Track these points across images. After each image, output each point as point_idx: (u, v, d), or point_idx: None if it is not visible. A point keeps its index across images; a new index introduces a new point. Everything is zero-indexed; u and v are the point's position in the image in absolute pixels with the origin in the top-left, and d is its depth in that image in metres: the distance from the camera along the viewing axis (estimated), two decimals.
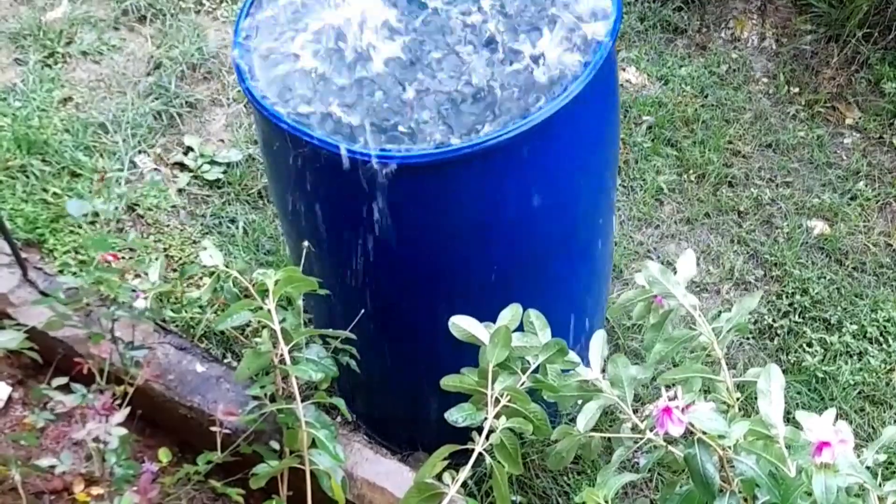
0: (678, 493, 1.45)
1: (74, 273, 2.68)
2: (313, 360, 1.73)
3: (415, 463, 2.34)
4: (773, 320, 2.77)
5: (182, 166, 3.12)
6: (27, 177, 2.99)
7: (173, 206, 2.99)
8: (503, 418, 1.44)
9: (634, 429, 1.43)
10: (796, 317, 2.78)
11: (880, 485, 1.35)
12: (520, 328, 1.54)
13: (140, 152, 3.14)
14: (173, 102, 3.27)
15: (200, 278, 2.71)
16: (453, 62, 1.85)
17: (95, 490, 1.90)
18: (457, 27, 1.90)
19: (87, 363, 1.94)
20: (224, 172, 3.08)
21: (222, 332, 2.63)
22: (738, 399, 1.49)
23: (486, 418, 1.43)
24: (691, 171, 3.15)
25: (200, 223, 2.95)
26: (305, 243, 1.88)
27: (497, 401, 1.45)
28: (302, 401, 1.70)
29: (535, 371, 1.51)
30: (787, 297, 2.82)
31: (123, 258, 2.73)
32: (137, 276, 2.49)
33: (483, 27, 1.89)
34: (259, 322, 1.66)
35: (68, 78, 3.36)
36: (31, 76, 3.32)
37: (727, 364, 1.49)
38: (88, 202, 2.80)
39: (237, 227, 2.93)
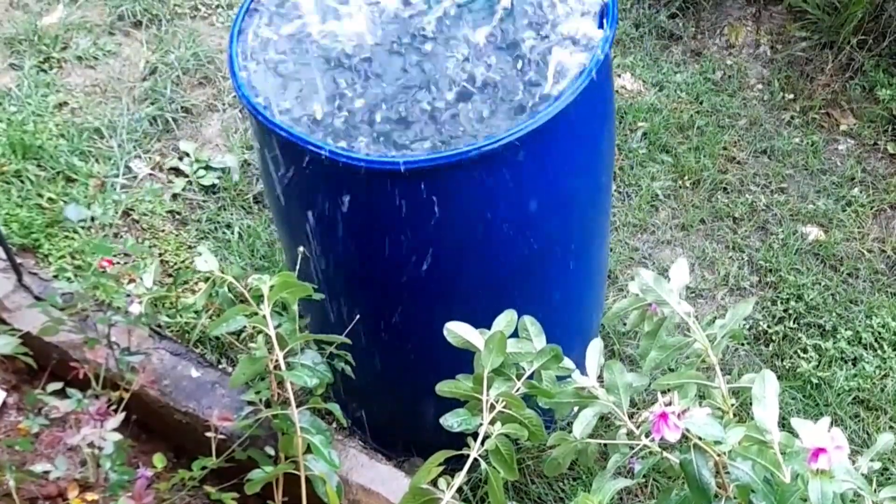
0: (674, 499, 1.45)
1: (69, 278, 2.67)
2: (308, 365, 1.73)
3: (410, 468, 2.34)
4: (768, 326, 2.77)
5: (177, 171, 3.12)
6: (22, 182, 2.98)
7: (168, 212, 2.99)
8: (498, 424, 1.44)
9: (630, 435, 1.43)
10: (791, 323, 2.78)
11: (875, 491, 1.35)
12: (515, 334, 1.54)
13: (135, 157, 3.14)
14: (169, 108, 3.27)
15: (195, 283, 2.71)
16: (452, 65, 1.85)
17: (90, 496, 1.89)
18: (455, 30, 1.90)
19: (83, 368, 1.93)
20: (219, 178, 3.08)
21: (217, 338, 2.63)
22: (732, 405, 1.50)
23: (481, 424, 1.43)
24: (686, 178, 3.16)
25: (195, 228, 2.95)
26: (301, 248, 1.88)
27: (492, 406, 1.45)
28: (297, 406, 1.70)
29: (531, 377, 1.51)
30: (781, 303, 2.83)
31: (118, 263, 2.73)
32: (132, 281, 2.49)
33: (479, 31, 1.89)
34: (254, 327, 1.66)
35: (64, 83, 3.36)
36: (27, 81, 3.32)
37: (722, 370, 1.50)
38: (85, 207, 2.81)
39: (232, 233, 2.93)
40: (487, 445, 1.42)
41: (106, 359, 2.00)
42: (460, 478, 1.40)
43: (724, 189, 3.15)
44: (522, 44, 1.86)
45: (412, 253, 1.89)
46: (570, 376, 1.51)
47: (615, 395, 1.45)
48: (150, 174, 3.11)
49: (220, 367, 2.47)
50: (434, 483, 1.41)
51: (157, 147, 3.18)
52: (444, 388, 1.49)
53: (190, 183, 3.08)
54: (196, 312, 2.67)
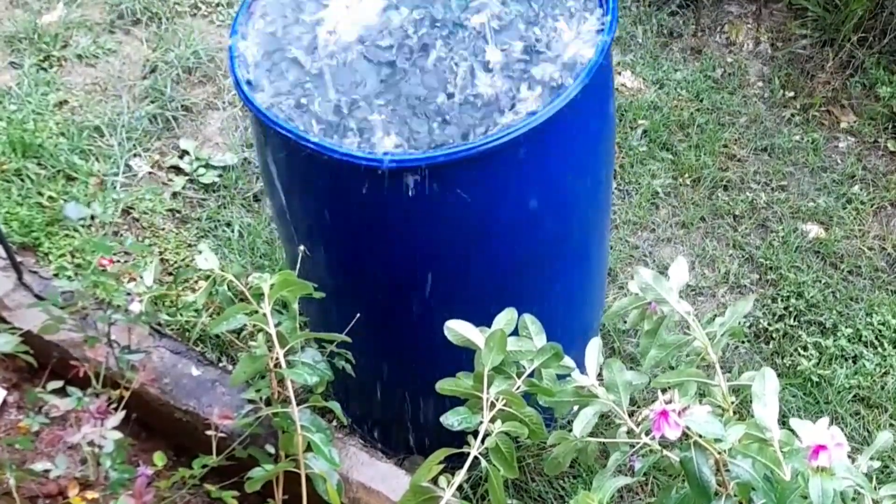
0: (674, 497, 1.45)
1: (70, 277, 2.67)
2: (309, 363, 1.72)
3: (410, 466, 2.34)
4: (769, 324, 2.77)
5: (177, 170, 3.12)
6: (22, 180, 2.98)
7: (168, 210, 2.99)
8: (499, 422, 1.44)
9: (630, 433, 1.43)
10: (791, 320, 2.78)
11: (875, 489, 1.35)
12: (515, 332, 1.54)
13: (135, 156, 3.14)
14: (169, 106, 3.27)
15: (196, 282, 2.71)
16: (452, 63, 1.85)
17: (90, 494, 1.89)
18: (455, 28, 1.90)
19: (83, 367, 1.93)
20: (220, 176, 3.08)
21: (217, 336, 2.63)
22: (733, 403, 1.50)
23: (481, 422, 1.43)
24: (686, 175, 3.15)
25: (196, 227, 2.95)
26: (301, 247, 1.88)
27: (492, 405, 1.45)
28: (297, 404, 1.70)
29: (531, 375, 1.51)
30: (782, 300, 2.83)
31: (119, 262, 2.73)
32: (132, 279, 2.49)
33: (483, 27, 1.89)
34: (254, 326, 1.66)
35: (64, 81, 3.36)
36: (27, 79, 3.31)
37: (722, 368, 1.49)
38: (85, 206, 2.81)
39: (233, 231, 2.93)
40: (488, 443, 1.42)
41: (106, 357, 2.00)
42: (461, 476, 1.40)
43: (725, 187, 3.15)
44: (523, 41, 1.86)
45: (412, 251, 1.89)
46: (570, 375, 1.51)
47: (615, 394, 1.45)
48: (150, 172, 3.10)
49: (220, 365, 2.47)
50: (434, 481, 1.41)
51: (157, 145, 3.18)
52: (444, 386, 1.49)
53: (190, 181, 3.08)
54: (196, 311, 2.67)
